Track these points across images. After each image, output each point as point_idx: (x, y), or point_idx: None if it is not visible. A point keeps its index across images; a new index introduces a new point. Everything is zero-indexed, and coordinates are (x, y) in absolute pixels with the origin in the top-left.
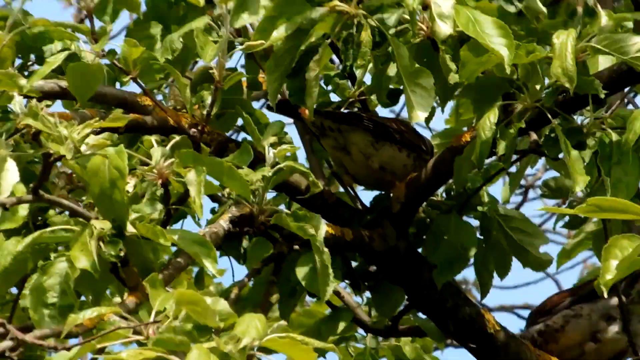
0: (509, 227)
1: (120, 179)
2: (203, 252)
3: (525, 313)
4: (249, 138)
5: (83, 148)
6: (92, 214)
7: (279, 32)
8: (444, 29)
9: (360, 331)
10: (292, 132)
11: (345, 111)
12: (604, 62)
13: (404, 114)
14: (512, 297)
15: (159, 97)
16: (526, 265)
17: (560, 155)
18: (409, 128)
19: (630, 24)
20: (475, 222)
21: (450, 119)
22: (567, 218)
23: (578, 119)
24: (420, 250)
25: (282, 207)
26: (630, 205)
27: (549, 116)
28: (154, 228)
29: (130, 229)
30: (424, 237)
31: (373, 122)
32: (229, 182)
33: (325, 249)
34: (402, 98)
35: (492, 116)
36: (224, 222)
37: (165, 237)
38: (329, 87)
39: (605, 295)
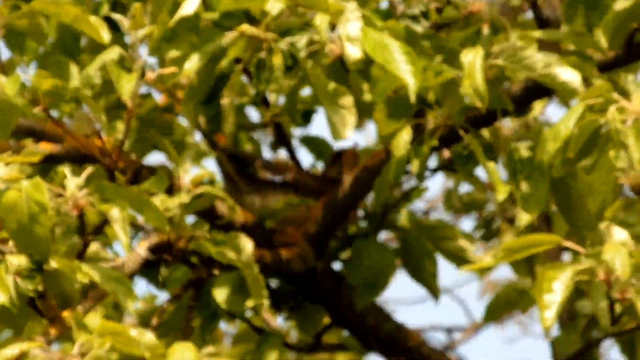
0: (437, 237)
1: (42, 214)
2: (120, 290)
3: (434, 334)
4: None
5: None
6: (7, 249)
7: (191, 63)
8: (353, 52)
9: None
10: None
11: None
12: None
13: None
14: (415, 316)
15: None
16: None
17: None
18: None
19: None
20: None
21: (377, 145)
22: (482, 231)
23: None
24: (339, 269)
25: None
26: (541, 237)
27: (461, 133)
28: (71, 264)
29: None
30: (343, 257)
31: None
32: (147, 213)
33: (255, 264)
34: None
35: (405, 134)
36: (142, 251)
37: (82, 272)
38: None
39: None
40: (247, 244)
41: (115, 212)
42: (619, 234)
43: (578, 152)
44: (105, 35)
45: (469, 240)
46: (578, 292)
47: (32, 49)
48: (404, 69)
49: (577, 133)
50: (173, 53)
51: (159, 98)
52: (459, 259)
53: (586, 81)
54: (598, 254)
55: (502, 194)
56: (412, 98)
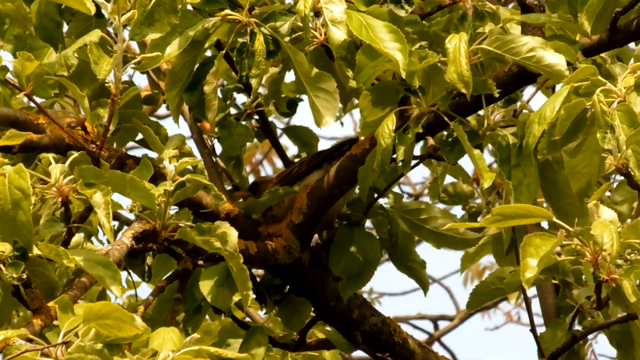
0: (418, 220)
1: (24, 200)
2: (108, 275)
3: (421, 323)
4: (148, 153)
5: None
6: None
7: (173, 47)
8: (338, 34)
9: None
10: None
11: None
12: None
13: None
14: (402, 306)
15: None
16: (450, 246)
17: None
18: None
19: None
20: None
21: (361, 131)
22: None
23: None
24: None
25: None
26: (533, 209)
27: (446, 119)
28: (57, 249)
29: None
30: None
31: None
32: (132, 193)
33: (239, 253)
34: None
35: (389, 122)
36: (126, 239)
37: (69, 258)
38: (228, 102)
39: (528, 292)
40: (232, 233)
41: (97, 197)
42: (607, 213)
43: (564, 135)
44: (91, 7)
45: (450, 218)
46: (565, 284)
47: (13, 34)
48: (390, 47)
49: (563, 115)
50: (153, 35)
51: (143, 87)
52: (444, 237)
53: (571, 66)
54: (586, 231)
55: (487, 181)
56: (403, 74)
